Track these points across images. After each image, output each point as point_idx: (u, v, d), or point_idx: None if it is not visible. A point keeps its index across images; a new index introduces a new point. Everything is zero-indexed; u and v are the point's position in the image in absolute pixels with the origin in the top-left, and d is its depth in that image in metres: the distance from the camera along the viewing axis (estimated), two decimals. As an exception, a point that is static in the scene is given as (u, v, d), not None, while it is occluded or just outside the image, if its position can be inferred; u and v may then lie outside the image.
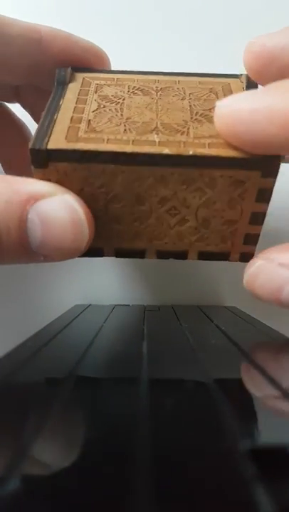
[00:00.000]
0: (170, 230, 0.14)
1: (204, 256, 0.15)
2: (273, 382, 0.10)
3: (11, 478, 0.06)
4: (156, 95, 0.15)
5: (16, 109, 0.20)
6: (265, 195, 0.13)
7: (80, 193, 0.13)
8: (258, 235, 0.15)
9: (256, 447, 0.07)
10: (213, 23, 0.24)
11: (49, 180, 0.13)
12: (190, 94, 0.15)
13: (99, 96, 0.15)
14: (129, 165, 0.13)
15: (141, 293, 0.25)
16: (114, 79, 0.16)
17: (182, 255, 0.15)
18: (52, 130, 0.13)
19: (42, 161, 0.13)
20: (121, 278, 0.25)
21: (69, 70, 0.15)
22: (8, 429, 0.08)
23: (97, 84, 0.15)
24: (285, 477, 0.07)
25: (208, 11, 0.24)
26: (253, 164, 0.13)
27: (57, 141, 0.13)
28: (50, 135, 0.13)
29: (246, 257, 0.15)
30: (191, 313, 0.21)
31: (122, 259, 0.25)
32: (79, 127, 0.13)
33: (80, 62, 0.16)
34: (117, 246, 0.15)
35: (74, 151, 0.13)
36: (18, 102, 0.19)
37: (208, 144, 0.13)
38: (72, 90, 0.15)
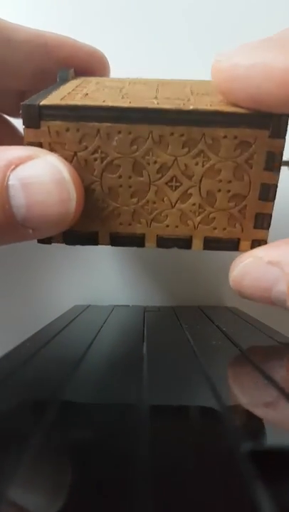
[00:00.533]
0: (171, 209, 0.13)
1: (211, 244, 0.14)
2: (274, 383, 0.10)
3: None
4: (157, 86, 0.14)
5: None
6: (274, 161, 0.12)
7: (72, 159, 0.13)
8: (270, 216, 0.13)
9: (257, 449, 0.07)
10: (217, 26, 0.24)
11: (40, 143, 0.12)
12: (192, 85, 0.15)
13: (98, 82, 0.15)
14: (126, 122, 0.12)
15: (141, 293, 0.25)
16: (114, 79, 0.15)
17: (186, 243, 0.14)
18: (48, 95, 0.13)
19: (34, 119, 0.12)
20: (121, 278, 0.25)
21: (72, 70, 0.15)
22: (5, 429, 0.08)
23: (98, 81, 0.15)
24: (285, 479, 0.07)
25: (211, 13, 0.23)
26: (258, 121, 0.12)
27: (51, 100, 0.12)
28: (46, 97, 0.12)
29: (258, 245, 0.13)
30: (191, 313, 0.21)
31: (121, 259, 0.25)
32: (76, 94, 0.13)
33: (83, 68, 0.16)
34: (113, 230, 0.14)
35: (68, 107, 0.12)
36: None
37: (210, 103, 0.12)
38: (74, 83, 0.15)
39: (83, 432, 0.08)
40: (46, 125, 0.12)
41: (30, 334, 0.15)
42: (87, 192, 0.13)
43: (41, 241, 0.14)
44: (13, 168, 0.11)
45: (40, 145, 0.12)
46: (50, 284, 0.25)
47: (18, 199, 0.11)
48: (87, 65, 0.16)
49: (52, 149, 0.12)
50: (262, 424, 0.09)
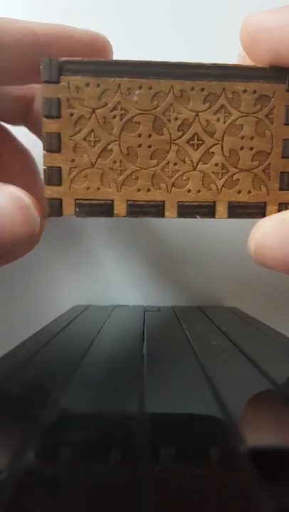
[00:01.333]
0: (193, 171, 0.13)
1: (236, 210, 0.13)
2: (274, 383, 0.10)
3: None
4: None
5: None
6: None
7: (91, 116, 0.13)
8: None
9: (257, 449, 0.07)
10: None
11: (58, 99, 0.12)
12: None
13: None
14: (147, 77, 0.12)
15: (141, 293, 0.25)
16: None
17: (209, 210, 0.13)
18: None
19: (54, 73, 0.12)
20: (121, 278, 0.25)
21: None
22: (5, 430, 0.08)
23: None
24: (285, 479, 0.07)
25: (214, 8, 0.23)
26: (276, 75, 0.12)
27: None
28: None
29: (285, 209, 0.13)
30: (191, 313, 0.21)
31: (121, 259, 0.25)
32: None
33: (84, 56, 0.15)
34: (131, 197, 0.13)
35: (89, 62, 0.12)
36: (25, 124, 0.19)
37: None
38: None
39: (83, 432, 0.08)
40: (66, 80, 0.12)
41: (30, 334, 0.15)
42: (104, 154, 0.13)
43: (51, 213, 0.13)
44: None
45: (58, 101, 0.13)
46: (50, 284, 0.25)
47: None
48: (88, 54, 0.15)
49: (70, 106, 0.13)
50: (262, 423, 0.09)
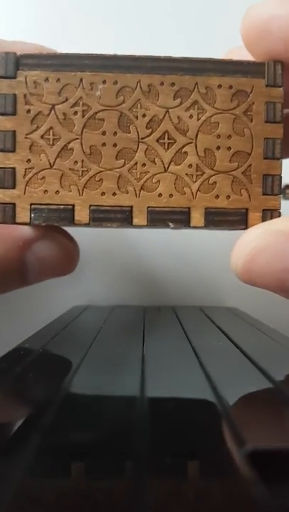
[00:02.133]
0: (164, 173, 0.12)
1: (213, 217, 0.12)
2: (275, 383, 0.10)
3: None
4: None
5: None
6: (275, 111, 0.12)
7: (50, 113, 0.12)
8: (280, 179, 0.12)
9: (258, 449, 0.07)
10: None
11: (14, 95, 0.12)
12: None
13: None
14: (111, 71, 0.12)
15: (141, 294, 0.25)
16: None
17: (183, 217, 0.12)
18: None
19: (10, 68, 0.12)
20: (120, 278, 0.25)
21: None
22: (6, 429, 0.08)
23: None
24: (285, 480, 0.06)
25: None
26: (253, 69, 0.11)
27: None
28: None
29: (270, 217, 0.12)
30: (191, 314, 0.21)
31: (121, 259, 0.25)
32: None
33: None
34: (94, 202, 0.12)
35: (49, 55, 0.12)
36: None
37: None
38: None
39: (83, 432, 0.08)
40: (24, 75, 0.12)
41: (29, 335, 0.15)
42: (64, 153, 0.12)
43: (3, 220, 0.12)
44: (29, 247, 0.13)
45: (14, 97, 0.12)
46: (49, 284, 0.25)
47: (34, 266, 0.13)
48: None
49: (27, 102, 0.12)
50: (263, 424, 0.09)
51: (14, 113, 0.12)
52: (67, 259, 0.14)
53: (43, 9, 0.23)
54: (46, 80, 0.12)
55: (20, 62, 0.12)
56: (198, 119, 0.12)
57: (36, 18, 0.23)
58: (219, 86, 0.12)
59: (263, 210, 0.12)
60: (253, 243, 0.10)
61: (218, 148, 0.12)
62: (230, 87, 0.12)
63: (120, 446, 0.07)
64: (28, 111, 0.12)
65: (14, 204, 0.12)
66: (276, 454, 0.07)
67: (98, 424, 0.08)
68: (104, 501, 0.06)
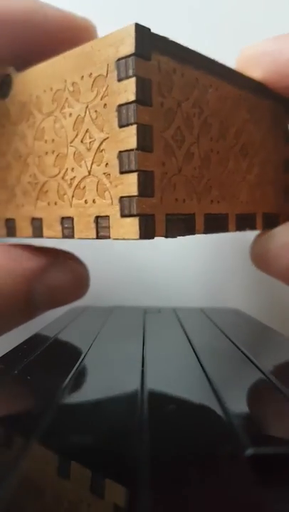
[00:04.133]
0: (242, 182, 0.12)
1: (269, 220, 0.13)
2: (276, 384, 0.10)
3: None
4: None
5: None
6: None
7: (177, 109, 0.11)
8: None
9: (259, 452, 0.07)
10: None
11: (150, 80, 0.10)
12: None
13: None
14: (220, 78, 0.12)
15: (141, 294, 0.25)
16: None
17: (252, 220, 0.13)
18: None
19: (146, 46, 0.10)
20: (120, 278, 0.25)
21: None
22: (5, 431, 0.08)
23: None
24: (286, 482, 0.07)
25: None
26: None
27: None
28: None
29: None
30: (192, 315, 0.21)
31: (121, 258, 0.24)
32: None
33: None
34: (207, 210, 0.11)
35: (179, 46, 0.10)
36: None
37: None
38: None
39: (81, 438, 0.08)
40: (157, 59, 0.10)
41: (27, 336, 0.15)
42: (187, 157, 0.11)
43: (144, 235, 0.10)
44: (38, 277, 0.13)
45: (149, 83, 0.10)
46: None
47: (42, 296, 0.13)
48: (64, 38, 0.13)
49: (160, 93, 0.10)
50: (264, 426, 0.09)
51: (151, 104, 0.10)
52: (78, 284, 0.14)
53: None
54: (174, 71, 0.10)
55: (155, 40, 0.10)
56: (258, 133, 0.13)
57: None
58: (269, 105, 0.13)
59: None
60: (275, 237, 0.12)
61: (268, 161, 0.13)
62: (275, 109, 0.14)
63: (120, 448, 0.07)
64: (162, 104, 0.10)
65: (153, 216, 0.10)
66: (277, 458, 0.07)
67: (98, 426, 0.08)
68: (102, 504, 0.06)
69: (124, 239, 0.10)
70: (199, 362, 0.12)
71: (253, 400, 0.10)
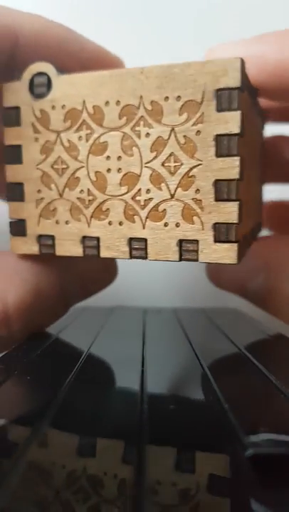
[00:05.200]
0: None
1: (254, 233, 0.14)
2: (276, 385, 0.10)
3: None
4: None
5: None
6: None
7: (251, 139, 0.12)
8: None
9: (258, 452, 0.07)
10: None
11: (246, 115, 0.11)
12: None
13: None
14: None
15: (141, 294, 0.25)
16: None
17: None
18: None
19: (244, 82, 0.10)
20: (120, 278, 0.25)
21: None
22: (4, 432, 0.08)
23: None
24: (286, 482, 0.06)
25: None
26: None
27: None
28: None
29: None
30: (192, 315, 0.21)
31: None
32: None
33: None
34: (244, 231, 0.12)
35: (248, 79, 0.11)
36: None
37: None
38: None
39: (83, 438, 0.08)
40: (246, 93, 0.11)
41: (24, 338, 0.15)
42: (246, 184, 0.12)
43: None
44: None
45: (245, 116, 0.11)
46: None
47: None
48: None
49: (245, 125, 0.11)
50: (264, 426, 0.09)
51: (243, 135, 0.11)
52: (107, 270, 0.15)
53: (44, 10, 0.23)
54: (249, 104, 0.12)
55: (245, 77, 0.11)
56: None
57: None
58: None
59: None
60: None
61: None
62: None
63: (120, 447, 0.07)
64: (244, 135, 0.11)
65: (240, 241, 0.11)
66: (277, 458, 0.07)
67: (98, 426, 0.08)
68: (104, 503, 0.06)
69: (216, 263, 0.11)
70: (199, 362, 0.12)
71: (253, 400, 0.10)
